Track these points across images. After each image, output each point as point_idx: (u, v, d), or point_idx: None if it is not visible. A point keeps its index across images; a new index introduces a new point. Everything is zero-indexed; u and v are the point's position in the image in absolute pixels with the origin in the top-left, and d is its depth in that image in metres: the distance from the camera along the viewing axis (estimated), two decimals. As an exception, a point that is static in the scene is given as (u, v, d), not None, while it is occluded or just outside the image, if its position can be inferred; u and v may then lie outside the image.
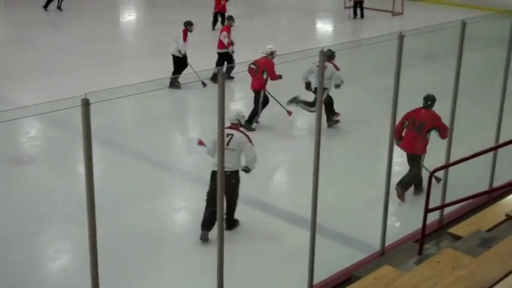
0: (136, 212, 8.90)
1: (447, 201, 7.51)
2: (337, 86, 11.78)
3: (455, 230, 6.76)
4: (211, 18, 20.59)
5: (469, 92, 12.08)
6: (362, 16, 23.55)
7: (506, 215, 6.65)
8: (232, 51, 14.88)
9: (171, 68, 14.28)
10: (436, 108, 9.34)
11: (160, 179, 10.23)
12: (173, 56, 14.44)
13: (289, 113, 12.19)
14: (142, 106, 12.82)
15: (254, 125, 12.00)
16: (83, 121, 4.27)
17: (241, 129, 8.46)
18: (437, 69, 15.37)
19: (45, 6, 22.95)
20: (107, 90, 4.92)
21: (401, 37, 6.46)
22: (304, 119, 12.68)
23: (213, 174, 7.92)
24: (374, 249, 7.29)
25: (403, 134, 9.45)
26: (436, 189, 7.60)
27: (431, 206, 6.50)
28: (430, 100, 9.50)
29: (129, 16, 24.60)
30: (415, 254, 6.40)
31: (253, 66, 12.06)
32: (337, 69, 11.82)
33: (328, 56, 11.45)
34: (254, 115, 12.15)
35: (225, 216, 7.50)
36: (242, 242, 8.10)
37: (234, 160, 8.03)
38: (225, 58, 14.83)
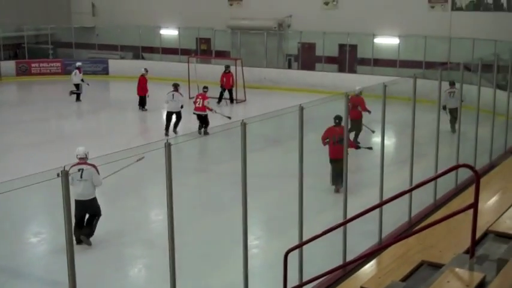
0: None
1: (304, 279, 7.62)
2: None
3: (315, 307, 6.83)
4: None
5: (314, 172, 12.57)
6: (232, 100, 24.62)
7: (361, 287, 6.83)
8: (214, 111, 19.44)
9: (10, 168, 13.69)
10: (284, 189, 9.58)
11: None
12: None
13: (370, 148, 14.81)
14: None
15: None
16: None
17: (88, 161, 10.38)
18: (282, 152, 15.93)
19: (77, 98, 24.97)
20: None
21: (243, 124, 6.65)
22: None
23: (76, 202, 10.03)
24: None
25: (328, 147, 13.19)
26: (293, 270, 7.70)
27: (289, 286, 6.55)
28: (339, 119, 13.04)
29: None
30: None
31: (350, 104, 15.66)
32: None
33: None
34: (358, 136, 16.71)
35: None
36: None
37: (89, 188, 10.28)
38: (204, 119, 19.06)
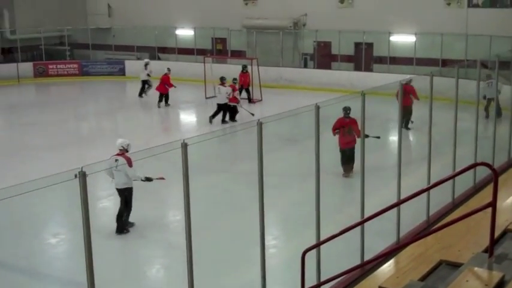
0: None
1: (322, 279, 7.60)
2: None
3: (332, 307, 6.81)
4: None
5: (331, 170, 12.57)
6: (249, 100, 24.51)
7: (379, 287, 6.81)
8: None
9: (28, 169, 13.81)
10: (301, 188, 9.57)
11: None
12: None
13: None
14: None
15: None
16: None
17: (126, 154, 11.13)
18: (299, 151, 15.91)
19: (140, 95, 26.04)
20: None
21: (259, 124, 6.64)
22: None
23: (116, 190, 11.34)
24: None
25: (339, 138, 13.69)
26: (311, 270, 7.69)
27: (307, 286, 6.54)
28: (348, 110, 13.54)
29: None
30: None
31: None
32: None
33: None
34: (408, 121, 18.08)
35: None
36: None
37: (123, 178, 11.11)
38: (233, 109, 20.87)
